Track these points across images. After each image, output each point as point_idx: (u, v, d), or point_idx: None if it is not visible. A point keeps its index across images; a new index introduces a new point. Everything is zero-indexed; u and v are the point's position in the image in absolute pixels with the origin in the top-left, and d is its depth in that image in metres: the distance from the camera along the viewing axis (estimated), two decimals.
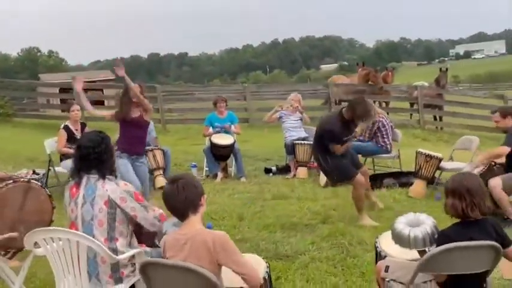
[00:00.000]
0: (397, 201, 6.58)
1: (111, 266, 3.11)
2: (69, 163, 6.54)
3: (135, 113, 5.77)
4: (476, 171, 5.69)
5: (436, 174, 7.14)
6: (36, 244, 3.14)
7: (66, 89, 16.82)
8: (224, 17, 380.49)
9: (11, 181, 3.49)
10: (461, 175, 3.00)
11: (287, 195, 7.02)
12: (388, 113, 15.59)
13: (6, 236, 3.29)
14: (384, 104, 15.45)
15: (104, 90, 18.92)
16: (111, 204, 3.11)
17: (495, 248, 2.74)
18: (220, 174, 8.15)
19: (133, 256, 3.19)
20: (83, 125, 7.30)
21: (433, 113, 15.16)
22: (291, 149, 8.20)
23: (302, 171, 8.14)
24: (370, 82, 14.86)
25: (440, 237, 2.84)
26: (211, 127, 8.40)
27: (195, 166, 8.50)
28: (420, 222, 3.01)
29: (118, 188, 3.15)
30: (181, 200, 2.64)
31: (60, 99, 18.87)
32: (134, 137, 5.81)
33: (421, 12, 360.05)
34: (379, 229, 5.51)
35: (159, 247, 3.33)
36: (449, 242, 2.73)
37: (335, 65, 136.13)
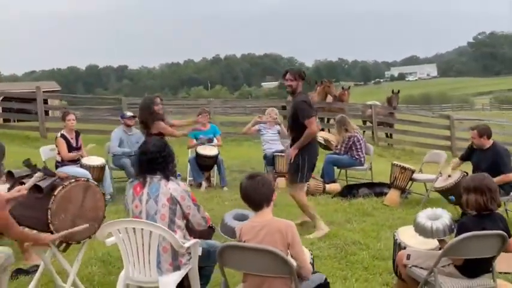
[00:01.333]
0: (376, 209, 7.24)
1: (171, 255, 3.52)
2: (69, 169, 6.82)
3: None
4: (452, 180, 6.46)
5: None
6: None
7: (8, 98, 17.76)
8: (164, 32, 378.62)
9: (73, 180, 3.81)
10: (479, 176, 3.65)
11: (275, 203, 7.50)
12: (329, 131, 16.60)
13: (78, 228, 3.62)
14: None
15: (48, 101, 19.00)
16: (173, 201, 3.53)
17: (503, 237, 3.38)
18: (204, 184, 8.55)
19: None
20: (77, 133, 7.56)
21: (385, 130, 16.16)
22: (271, 160, 8.72)
23: (281, 182, 8.66)
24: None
25: (460, 226, 3.44)
26: (194, 139, 8.78)
27: (179, 175, 8.81)
28: (438, 216, 3.62)
29: (179, 188, 3.58)
30: (259, 194, 3.12)
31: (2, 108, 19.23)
32: None
33: (357, 35, 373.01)
34: (366, 231, 6.16)
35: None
36: (467, 231, 3.33)
37: (276, 83, 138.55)
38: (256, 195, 3.15)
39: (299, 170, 5.88)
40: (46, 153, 7.40)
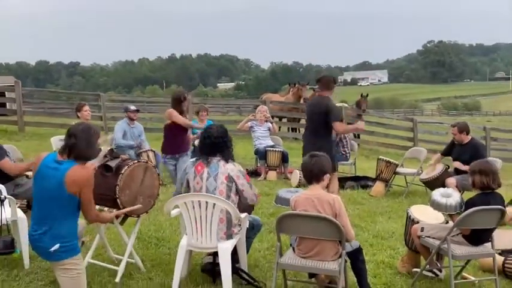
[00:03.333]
0: (364, 199, 8.01)
1: (227, 225, 4.10)
2: None
3: None
4: (435, 173, 7.29)
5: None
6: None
7: None
8: (121, 27, 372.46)
9: (136, 161, 4.33)
10: (483, 161, 4.47)
11: (268, 192, 8.15)
12: None
13: (137, 206, 4.14)
14: None
15: (6, 93, 18.91)
16: (230, 179, 4.12)
17: (502, 211, 4.14)
18: None
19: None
20: None
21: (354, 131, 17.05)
22: (263, 155, 9.35)
23: (272, 175, 9.32)
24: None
25: (469, 202, 4.19)
26: (191, 133, 9.28)
27: None
28: (450, 194, 4.38)
29: (235, 168, 4.17)
30: (311, 169, 3.77)
31: None
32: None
33: (312, 38, 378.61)
34: (362, 217, 6.89)
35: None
36: (475, 206, 4.08)
37: (232, 84, 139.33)
38: (308, 171, 3.81)
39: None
40: (57, 143, 7.74)
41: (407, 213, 4.84)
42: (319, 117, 6.23)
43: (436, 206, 4.37)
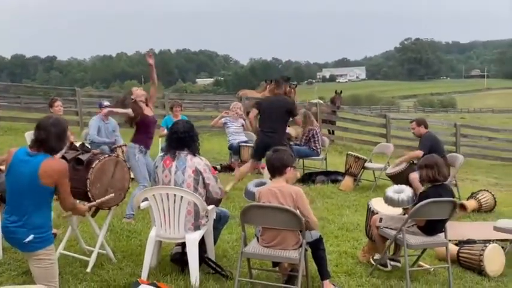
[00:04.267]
0: (334, 193, 8.26)
1: (194, 217, 4.29)
2: None
3: (150, 113, 6.30)
4: (399, 167, 7.56)
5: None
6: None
7: None
8: (99, 21, 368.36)
9: (107, 155, 4.49)
10: (430, 156, 4.73)
11: (241, 187, 8.29)
12: (289, 126, 17.66)
13: (108, 197, 4.30)
14: None
15: None
16: (197, 172, 4.31)
17: (454, 203, 4.41)
18: None
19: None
20: None
21: (328, 127, 17.36)
22: (237, 150, 9.54)
23: None
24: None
25: (422, 195, 4.45)
26: (166, 128, 9.43)
27: None
28: (402, 190, 4.66)
29: (202, 162, 4.36)
30: (273, 163, 3.98)
31: None
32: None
33: (291, 35, 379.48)
34: (330, 209, 7.13)
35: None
36: (427, 198, 4.34)
37: (211, 80, 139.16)
38: (272, 164, 4.02)
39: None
40: (30, 137, 7.80)
41: (368, 206, 5.09)
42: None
43: (390, 201, 4.64)
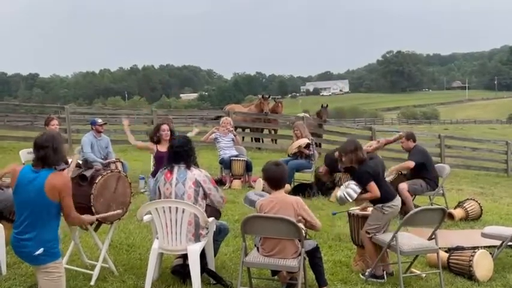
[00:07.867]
0: (325, 204, 8.44)
1: (195, 228, 4.43)
2: None
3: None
4: (389, 178, 7.77)
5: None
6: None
7: None
8: (79, 39, 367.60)
9: (109, 170, 4.63)
10: (344, 144, 5.16)
11: (233, 200, 8.49)
12: (276, 140, 17.91)
13: (113, 212, 4.43)
14: (272, 132, 17.62)
15: None
16: (197, 183, 4.47)
17: (444, 211, 4.62)
18: None
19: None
20: None
21: (314, 140, 17.56)
22: (228, 164, 9.69)
23: (237, 183, 9.66)
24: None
25: (365, 173, 4.83)
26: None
27: (143, 178, 9.54)
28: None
29: (201, 173, 4.53)
30: (276, 176, 4.16)
31: None
32: None
33: (274, 49, 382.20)
34: (323, 221, 7.28)
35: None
36: (374, 172, 4.78)
37: (195, 95, 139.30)
38: (275, 177, 4.19)
39: None
40: (25, 155, 7.90)
41: (348, 213, 5.32)
42: None
43: (340, 201, 5.02)
